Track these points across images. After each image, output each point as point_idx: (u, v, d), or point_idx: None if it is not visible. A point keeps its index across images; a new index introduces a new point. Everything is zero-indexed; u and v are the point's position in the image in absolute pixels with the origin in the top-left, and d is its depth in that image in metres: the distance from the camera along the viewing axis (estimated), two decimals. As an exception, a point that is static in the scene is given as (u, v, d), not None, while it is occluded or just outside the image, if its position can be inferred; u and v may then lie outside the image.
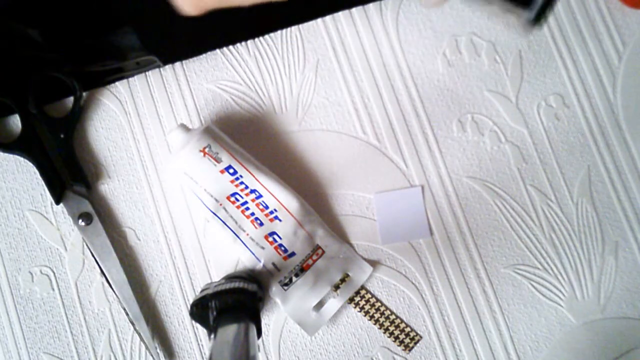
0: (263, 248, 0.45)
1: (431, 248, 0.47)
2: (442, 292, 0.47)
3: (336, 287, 0.46)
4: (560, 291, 0.47)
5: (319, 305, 0.46)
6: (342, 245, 0.47)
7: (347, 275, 0.46)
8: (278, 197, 0.45)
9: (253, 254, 0.45)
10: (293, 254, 0.45)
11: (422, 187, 0.48)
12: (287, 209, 0.45)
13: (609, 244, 0.48)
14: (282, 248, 0.45)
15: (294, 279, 0.45)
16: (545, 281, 0.47)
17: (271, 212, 0.45)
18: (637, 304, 0.47)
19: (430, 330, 0.47)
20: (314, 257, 0.46)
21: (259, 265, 0.45)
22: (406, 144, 0.49)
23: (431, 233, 0.48)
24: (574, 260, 0.47)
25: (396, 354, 0.46)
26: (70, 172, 0.47)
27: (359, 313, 0.47)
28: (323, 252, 0.46)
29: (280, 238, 0.45)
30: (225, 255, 0.47)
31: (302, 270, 0.46)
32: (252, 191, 0.45)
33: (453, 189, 0.48)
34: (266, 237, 0.45)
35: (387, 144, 0.49)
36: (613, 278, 0.47)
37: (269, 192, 0.45)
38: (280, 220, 0.45)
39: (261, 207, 0.45)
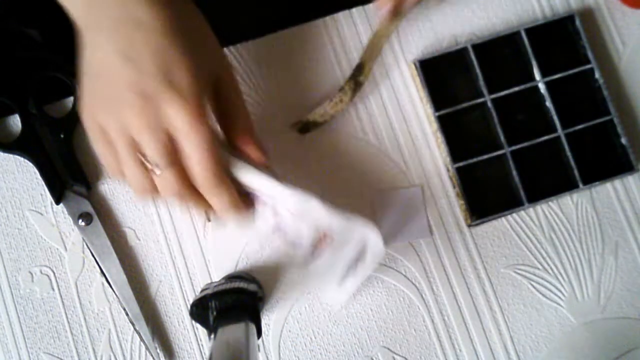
0: (270, 243, 0.45)
1: (431, 248, 0.47)
2: (442, 292, 0.47)
3: (354, 264, 0.43)
4: (560, 291, 0.47)
5: (340, 282, 0.44)
6: (351, 224, 0.45)
7: (364, 252, 0.44)
8: (278, 194, 0.45)
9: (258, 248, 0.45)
10: (301, 244, 0.45)
11: (422, 187, 0.48)
12: (288, 205, 0.45)
13: (609, 244, 0.48)
14: (289, 241, 0.45)
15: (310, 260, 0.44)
16: (545, 281, 0.47)
17: (273, 209, 0.45)
18: (637, 304, 0.47)
19: (430, 330, 0.47)
20: (324, 244, 0.45)
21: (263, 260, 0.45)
22: (406, 144, 0.49)
23: (431, 233, 0.48)
24: (574, 260, 0.47)
25: (396, 353, 0.46)
26: (70, 172, 0.47)
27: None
28: (332, 238, 0.45)
29: (286, 232, 0.45)
30: (225, 255, 0.47)
31: (313, 256, 0.45)
32: (253, 189, 0.45)
33: (453, 189, 0.48)
34: (272, 232, 0.45)
35: (387, 144, 0.49)
36: (613, 278, 0.47)
37: (269, 190, 0.45)
38: (283, 216, 0.45)
39: (263, 204, 0.45)
